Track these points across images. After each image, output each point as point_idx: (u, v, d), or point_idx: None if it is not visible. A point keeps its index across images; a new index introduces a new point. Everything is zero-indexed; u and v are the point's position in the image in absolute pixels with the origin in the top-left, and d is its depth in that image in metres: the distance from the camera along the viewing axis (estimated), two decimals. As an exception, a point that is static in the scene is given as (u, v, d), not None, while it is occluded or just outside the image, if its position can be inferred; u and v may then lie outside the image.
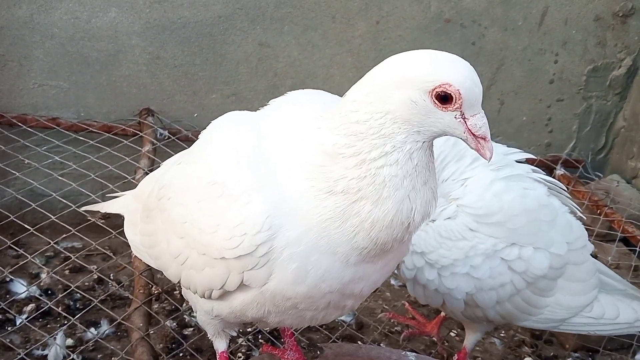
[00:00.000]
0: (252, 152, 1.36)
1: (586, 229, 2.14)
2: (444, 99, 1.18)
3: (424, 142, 1.23)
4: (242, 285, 1.38)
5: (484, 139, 1.21)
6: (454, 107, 1.18)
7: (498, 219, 1.92)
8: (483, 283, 1.95)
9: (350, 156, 1.23)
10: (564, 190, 2.11)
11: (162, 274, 1.69)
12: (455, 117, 1.20)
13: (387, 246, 1.29)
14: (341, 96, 1.33)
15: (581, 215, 2.12)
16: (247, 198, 1.31)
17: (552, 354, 2.74)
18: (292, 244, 1.30)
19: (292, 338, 1.76)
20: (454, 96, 1.17)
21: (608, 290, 2.16)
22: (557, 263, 1.99)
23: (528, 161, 2.14)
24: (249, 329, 2.57)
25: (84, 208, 2.29)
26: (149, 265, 2.16)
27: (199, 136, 1.57)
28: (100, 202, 2.23)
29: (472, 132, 1.21)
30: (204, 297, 1.50)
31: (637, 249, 3.00)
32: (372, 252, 1.30)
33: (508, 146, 2.14)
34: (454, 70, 1.19)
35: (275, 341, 2.38)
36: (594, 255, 2.20)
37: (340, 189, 1.24)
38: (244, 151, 1.37)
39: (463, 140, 1.23)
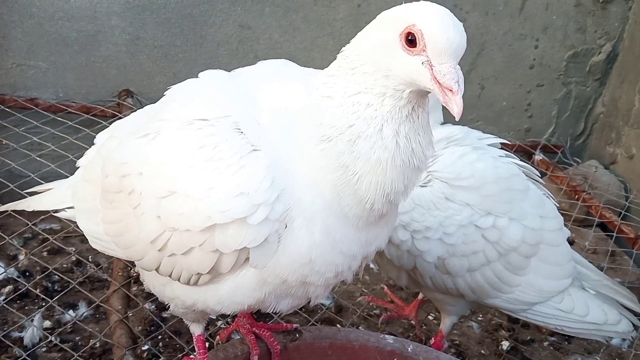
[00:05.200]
0: (242, 113, 1.33)
1: (564, 214, 2.13)
2: (411, 41, 1.13)
3: (395, 89, 1.18)
4: (237, 265, 1.31)
5: (450, 90, 1.11)
6: (419, 50, 1.12)
7: (471, 183, 1.91)
8: (456, 249, 1.93)
9: (335, 96, 1.22)
10: (538, 176, 2.10)
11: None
12: (422, 63, 1.13)
13: (389, 198, 1.24)
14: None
15: (555, 202, 2.09)
16: (243, 161, 1.25)
17: (529, 337, 2.77)
18: (305, 208, 1.25)
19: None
20: (417, 37, 1.12)
21: (584, 279, 2.15)
22: (531, 238, 1.96)
23: (506, 147, 2.13)
24: (228, 312, 2.57)
25: (3, 207, 2.00)
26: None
27: (164, 97, 1.53)
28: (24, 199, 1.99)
29: (437, 81, 1.12)
30: (188, 284, 1.39)
31: (614, 234, 3.04)
32: (375, 207, 1.25)
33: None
34: (422, 12, 1.14)
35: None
36: (572, 241, 2.19)
37: (335, 131, 1.20)
38: (232, 111, 1.33)
39: (432, 91, 1.15)
